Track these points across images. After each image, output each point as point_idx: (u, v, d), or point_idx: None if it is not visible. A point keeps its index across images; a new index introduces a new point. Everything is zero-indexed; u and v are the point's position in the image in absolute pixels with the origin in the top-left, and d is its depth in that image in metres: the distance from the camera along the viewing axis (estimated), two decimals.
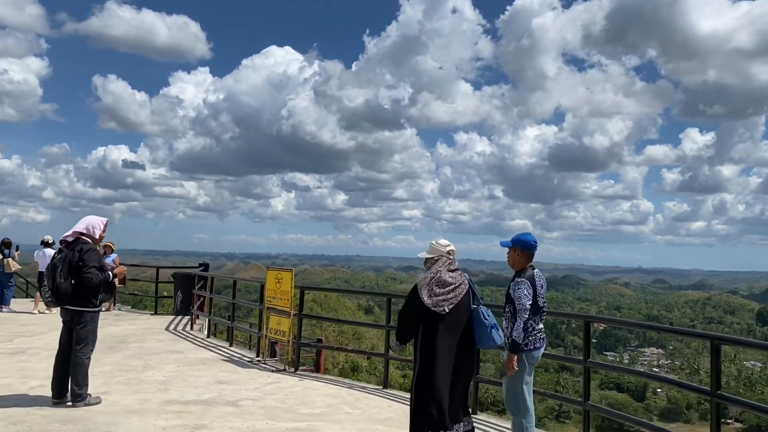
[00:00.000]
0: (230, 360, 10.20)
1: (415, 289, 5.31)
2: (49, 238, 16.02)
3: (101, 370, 8.98)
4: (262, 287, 10.56)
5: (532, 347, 5.36)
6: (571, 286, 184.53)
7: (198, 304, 14.01)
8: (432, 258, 5.46)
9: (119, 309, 17.74)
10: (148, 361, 9.79)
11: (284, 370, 9.59)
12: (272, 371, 9.49)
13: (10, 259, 15.69)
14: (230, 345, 11.61)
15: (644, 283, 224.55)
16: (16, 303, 16.59)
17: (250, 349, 12.52)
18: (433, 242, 5.54)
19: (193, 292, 14.29)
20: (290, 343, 9.64)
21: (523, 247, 5.51)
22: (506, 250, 5.59)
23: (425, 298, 5.20)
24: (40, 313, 15.44)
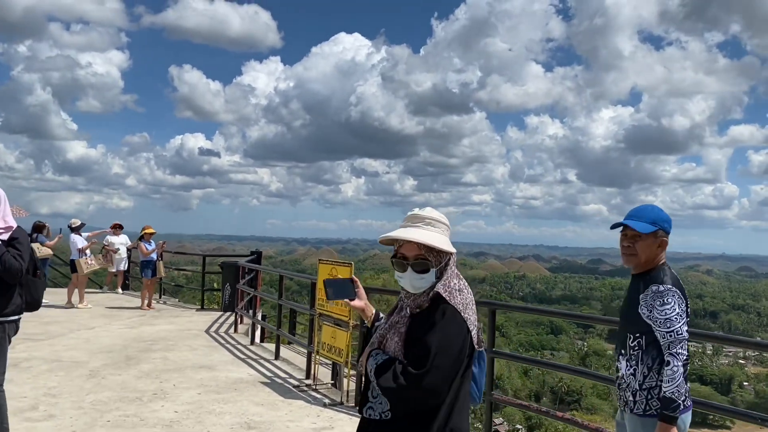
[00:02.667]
0: (271, 383, 7.73)
1: (460, 320, 2.44)
2: (75, 222, 14.06)
3: (97, 397, 6.68)
4: (313, 286, 8.06)
5: (690, 404, 3.17)
6: None
7: (245, 302, 11.68)
8: (443, 253, 2.52)
9: (165, 303, 15.72)
10: (165, 382, 7.45)
11: (341, 403, 6.98)
12: (325, 404, 6.91)
13: (37, 244, 13.80)
14: (276, 358, 9.15)
15: (728, 271, 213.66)
16: (50, 294, 14.77)
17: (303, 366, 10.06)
18: (434, 215, 2.61)
19: (237, 287, 11.95)
20: (348, 364, 7.07)
21: (666, 230, 3.30)
22: (616, 233, 3.39)
23: (473, 332, 2.49)
24: (70, 307, 13.53)
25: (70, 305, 13.60)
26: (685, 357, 3.09)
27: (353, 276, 2.81)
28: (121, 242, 15.59)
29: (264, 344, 10.50)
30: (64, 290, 14.72)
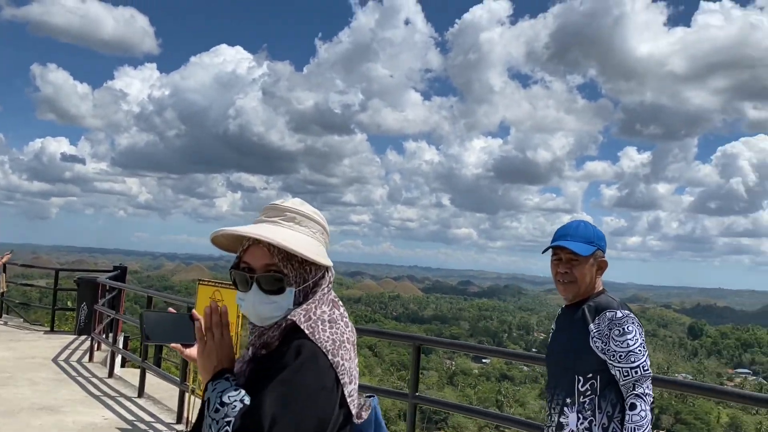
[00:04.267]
0: (133, 429, 6.32)
1: (323, 365, 1.45)
2: None
3: None
4: (189, 310, 6.76)
5: None
6: (513, 296, 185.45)
7: (103, 325, 10.03)
8: (309, 265, 1.56)
9: (5, 323, 13.52)
10: None
11: None
12: None
13: None
14: (139, 395, 7.65)
15: None
16: None
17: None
18: (302, 208, 1.61)
19: (95, 307, 10.25)
20: None
21: (603, 249, 2.73)
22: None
23: (348, 390, 1.50)
24: None
25: None
26: (651, 398, 2.42)
27: (194, 311, 1.70)
28: None
29: (125, 377, 8.95)
30: None
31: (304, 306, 1.50)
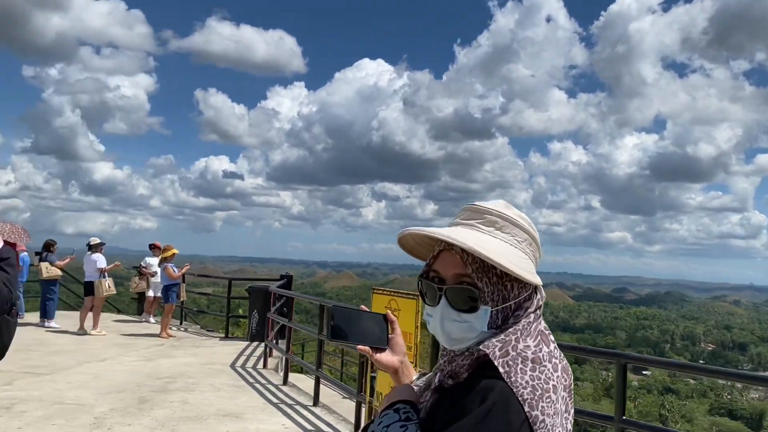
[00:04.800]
0: None
1: (513, 418, 1.14)
2: (94, 240, 12.86)
3: None
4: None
5: None
6: (675, 303, 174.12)
7: (275, 332, 10.34)
8: (511, 280, 1.25)
9: (185, 330, 14.44)
10: None
11: None
12: None
13: (46, 264, 12.64)
14: (314, 404, 7.73)
15: (757, 302, 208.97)
16: (61, 317, 13.57)
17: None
18: (506, 211, 1.31)
19: (268, 315, 10.60)
20: None
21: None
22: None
23: None
24: (83, 333, 12.29)
25: (82, 331, 12.35)
26: None
27: (388, 312, 1.43)
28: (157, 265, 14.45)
29: (298, 383, 9.11)
30: (77, 314, 13.48)
31: (503, 335, 1.21)
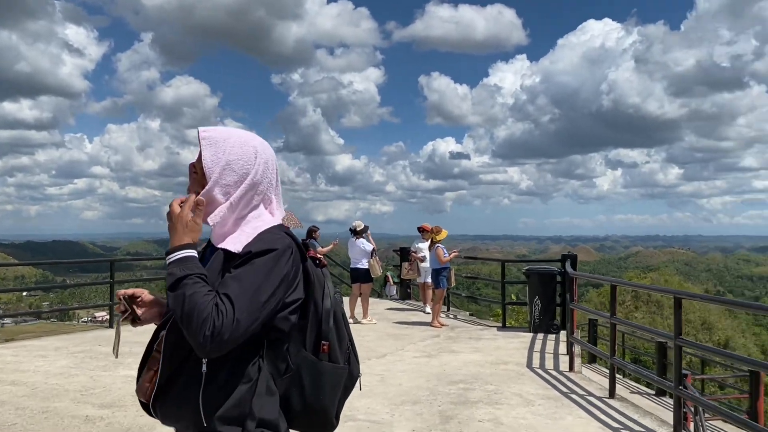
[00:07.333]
0: None
1: None
2: (359, 224, 12.11)
3: None
4: None
5: None
6: None
7: (574, 326, 8.43)
8: None
9: (455, 317, 13.19)
10: None
11: None
12: None
13: (311, 250, 12.18)
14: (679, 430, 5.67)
15: None
16: None
17: None
18: None
19: (571, 306, 8.69)
20: None
21: None
22: None
23: None
24: (353, 322, 11.52)
25: (353, 320, 11.61)
26: None
27: None
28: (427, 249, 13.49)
29: (626, 396, 7.11)
30: (344, 300, 12.87)
31: None
